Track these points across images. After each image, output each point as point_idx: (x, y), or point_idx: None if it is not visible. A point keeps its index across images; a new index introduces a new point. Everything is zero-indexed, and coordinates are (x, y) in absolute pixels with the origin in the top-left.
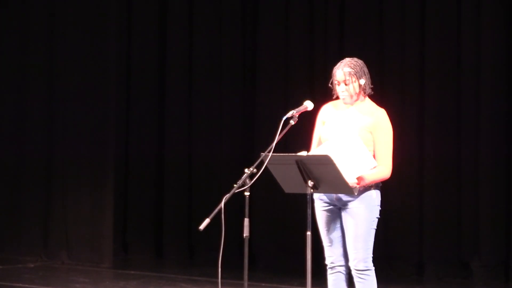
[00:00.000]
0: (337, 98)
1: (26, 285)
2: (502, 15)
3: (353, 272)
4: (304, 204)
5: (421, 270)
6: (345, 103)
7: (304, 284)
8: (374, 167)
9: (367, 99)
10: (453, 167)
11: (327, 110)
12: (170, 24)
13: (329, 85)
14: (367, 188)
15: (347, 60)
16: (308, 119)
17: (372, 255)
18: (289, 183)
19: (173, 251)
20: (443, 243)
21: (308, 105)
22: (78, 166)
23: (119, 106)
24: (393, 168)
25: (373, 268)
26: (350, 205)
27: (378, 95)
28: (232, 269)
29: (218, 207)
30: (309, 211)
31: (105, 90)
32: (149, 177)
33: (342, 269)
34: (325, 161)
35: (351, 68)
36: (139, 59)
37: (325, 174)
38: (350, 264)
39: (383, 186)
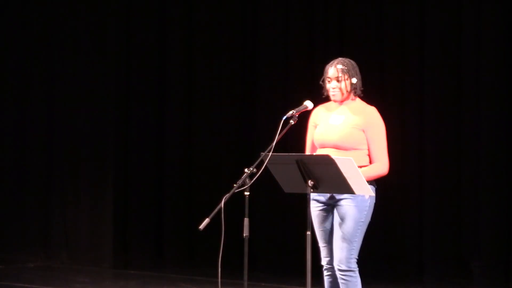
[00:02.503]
0: (327, 97)
1: (26, 285)
2: (503, 15)
3: (337, 272)
4: (304, 204)
5: (421, 270)
6: (335, 101)
7: (304, 284)
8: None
9: (358, 99)
10: (453, 167)
11: (318, 113)
12: (169, 26)
13: (320, 82)
14: None
15: (340, 59)
16: (308, 119)
17: (357, 257)
18: (289, 183)
19: (173, 251)
20: (443, 243)
21: (308, 104)
22: (78, 166)
23: (119, 105)
24: (393, 168)
25: (357, 269)
26: (340, 203)
27: (378, 96)
28: (232, 269)
29: (218, 207)
30: (309, 211)
31: (105, 90)
32: (149, 177)
33: None
34: (326, 161)
35: (344, 66)
36: (138, 61)
37: (326, 174)
38: (334, 263)
39: (383, 186)
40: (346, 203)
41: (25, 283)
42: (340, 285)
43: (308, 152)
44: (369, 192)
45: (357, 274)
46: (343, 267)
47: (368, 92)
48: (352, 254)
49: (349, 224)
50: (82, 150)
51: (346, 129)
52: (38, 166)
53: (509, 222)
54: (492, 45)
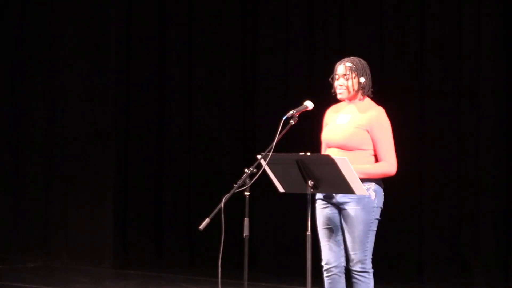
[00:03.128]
0: (336, 96)
1: (26, 285)
2: (503, 13)
3: (351, 273)
4: (304, 204)
5: (421, 270)
6: (341, 99)
7: (304, 284)
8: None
9: (367, 99)
10: (453, 167)
11: (329, 113)
12: (169, 27)
13: (329, 79)
14: (366, 188)
15: (351, 57)
16: (308, 119)
17: (371, 257)
18: (289, 183)
19: (173, 251)
20: (443, 243)
21: (308, 104)
22: (78, 167)
23: (119, 105)
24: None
25: (372, 270)
26: (347, 206)
27: (378, 97)
28: (232, 269)
29: (218, 207)
30: (309, 211)
31: (106, 91)
32: (149, 177)
33: (338, 271)
34: (326, 161)
35: (353, 64)
36: (139, 61)
37: (326, 174)
38: (349, 265)
39: (384, 186)
40: (353, 206)
41: (25, 283)
42: (353, 284)
43: (322, 152)
44: (364, 192)
45: (371, 276)
46: (358, 269)
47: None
48: (366, 255)
49: (359, 227)
50: (82, 151)
51: (349, 129)
52: (38, 166)
53: (509, 222)
54: (492, 45)
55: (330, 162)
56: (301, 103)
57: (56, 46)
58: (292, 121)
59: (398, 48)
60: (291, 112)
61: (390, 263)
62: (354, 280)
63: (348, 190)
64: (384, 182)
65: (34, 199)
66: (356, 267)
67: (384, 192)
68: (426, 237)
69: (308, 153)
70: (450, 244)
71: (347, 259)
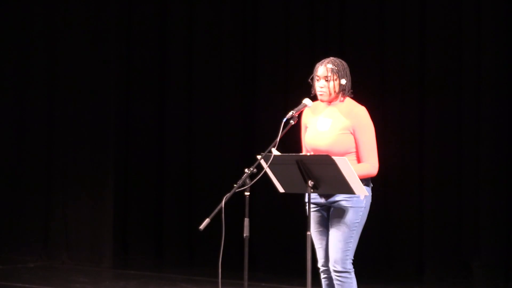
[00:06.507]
0: (315, 96)
1: (26, 285)
2: (503, 15)
3: (332, 273)
4: (304, 204)
5: (421, 270)
6: (322, 100)
7: (304, 284)
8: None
9: (347, 99)
10: (453, 167)
11: (307, 114)
12: (170, 25)
13: (309, 80)
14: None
15: (331, 58)
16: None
17: (353, 258)
18: (289, 183)
19: (173, 251)
20: (443, 243)
21: (307, 103)
22: (78, 166)
23: (119, 106)
24: (393, 167)
25: (353, 270)
26: (336, 204)
27: (378, 96)
28: (232, 269)
29: (218, 207)
30: (309, 211)
31: (106, 91)
32: (149, 177)
33: None
34: (326, 161)
35: (334, 65)
36: (139, 61)
37: (326, 174)
38: (330, 264)
39: (383, 186)
40: (342, 205)
41: (25, 283)
42: (335, 285)
43: (304, 151)
44: (364, 192)
45: (352, 275)
46: (339, 268)
47: (368, 90)
48: (347, 255)
49: (344, 225)
50: (82, 150)
51: (334, 136)
52: (38, 166)
53: (509, 222)
54: (493, 43)
55: (330, 162)
56: (300, 102)
57: (56, 43)
58: (292, 121)
59: (399, 48)
60: (290, 113)
61: (390, 263)
62: (337, 282)
63: (348, 190)
64: (384, 182)
65: (34, 199)
66: (336, 267)
67: (381, 192)
68: (426, 237)
69: (308, 153)
70: (450, 244)
71: (329, 258)
